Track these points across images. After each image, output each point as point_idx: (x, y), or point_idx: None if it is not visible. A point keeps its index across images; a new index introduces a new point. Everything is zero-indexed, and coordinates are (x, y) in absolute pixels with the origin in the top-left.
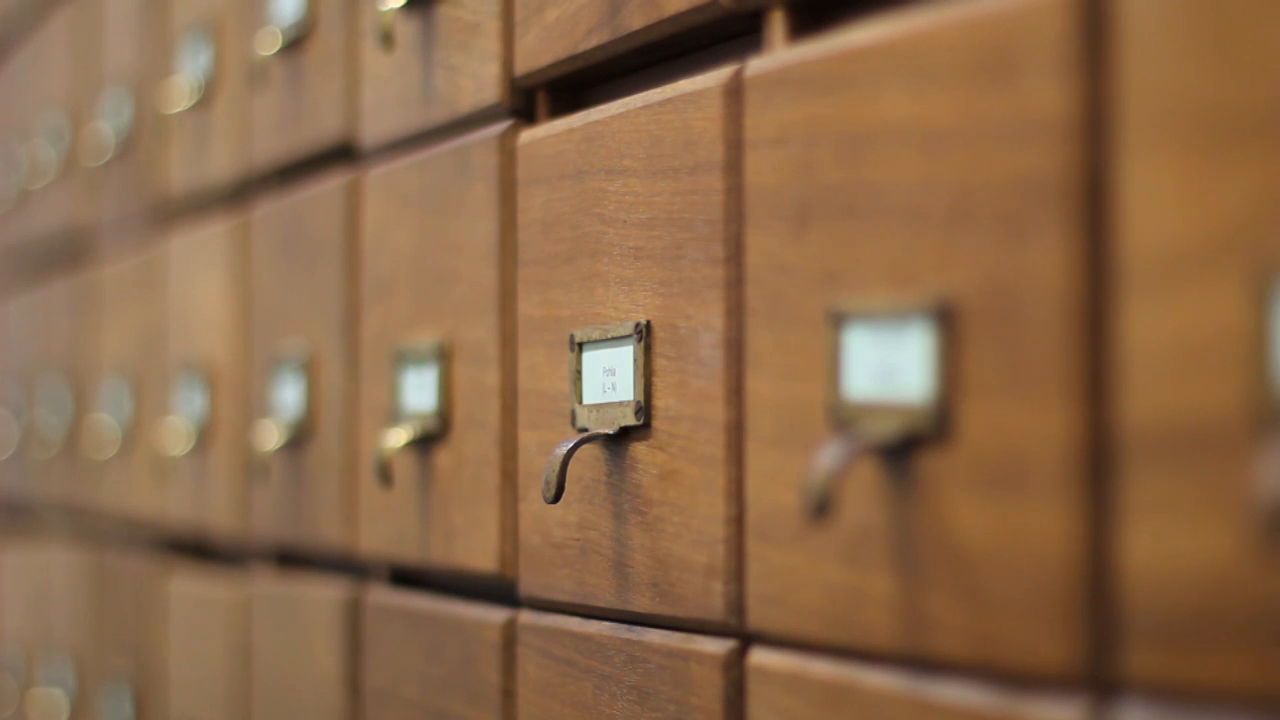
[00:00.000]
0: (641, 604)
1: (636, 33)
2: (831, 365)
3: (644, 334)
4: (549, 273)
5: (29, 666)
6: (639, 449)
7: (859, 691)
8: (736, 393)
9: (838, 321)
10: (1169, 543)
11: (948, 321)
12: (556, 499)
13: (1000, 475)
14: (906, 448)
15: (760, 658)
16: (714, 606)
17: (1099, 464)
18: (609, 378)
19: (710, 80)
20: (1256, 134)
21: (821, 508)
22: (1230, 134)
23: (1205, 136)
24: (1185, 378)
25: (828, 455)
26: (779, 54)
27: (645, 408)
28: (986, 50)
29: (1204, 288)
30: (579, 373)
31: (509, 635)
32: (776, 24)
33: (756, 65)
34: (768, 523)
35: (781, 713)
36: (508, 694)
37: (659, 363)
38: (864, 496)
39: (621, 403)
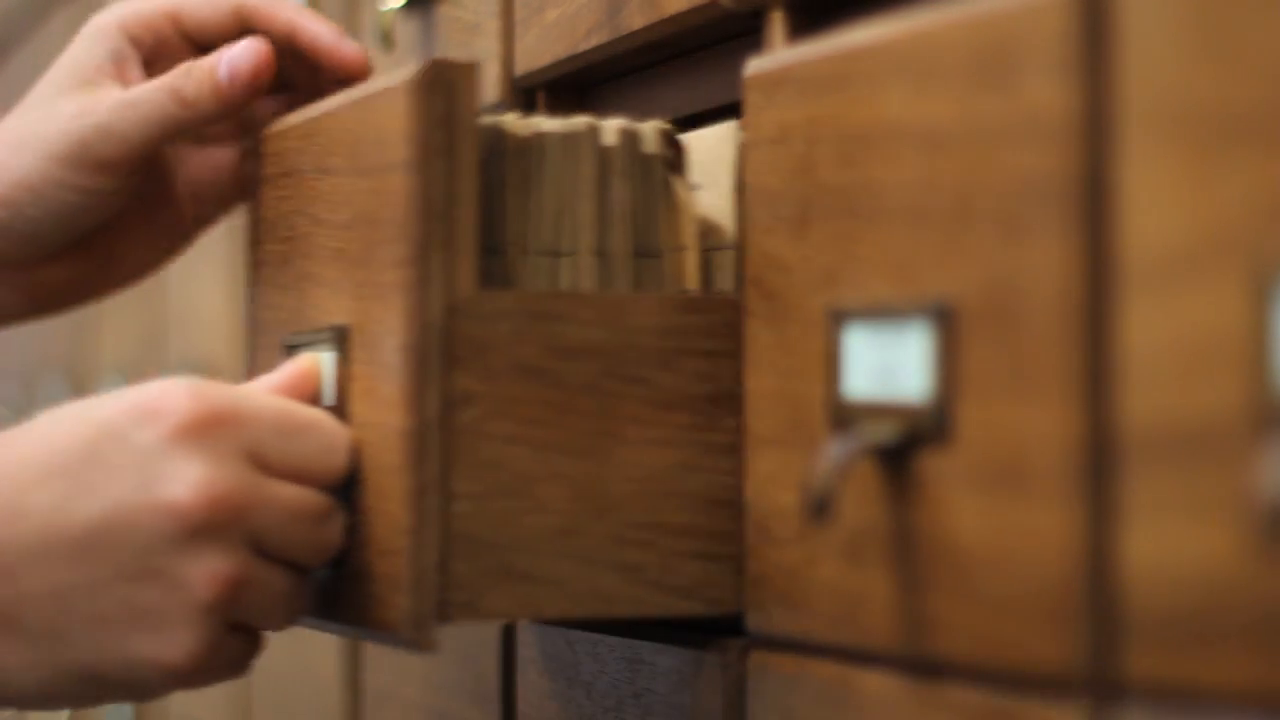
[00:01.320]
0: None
1: (636, 33)
2: (831, 365)
3: (342, 338)
4: (274, 273)
5: None
6: None
7: (859, 691)
8: (415, 398)
9: (837, 321)
10: (1169, 543)
11: (948, 321)
12: None
13: (1000, 475)
14: (906, 448)
15: (760, 658)
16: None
17: (1099, 464)
18: None
19: (398, 78)
20: (1256, 134)
21: (821, 508)
22: (1230, 134)
23: (1205, 136)
24: (1185, 378)
25: (828, 455)
26: (779, 54)
27: (342, 413)
28: (986, 50)
29: (1204, 288)
30: None
31: (509, 636)
32: (776, 24)
33: (756, 65)
34: (767, 522)
35: (781, 712)
36: (508, 695)
37: (355, 368)
38: (864, 496)
39: (327, 408)
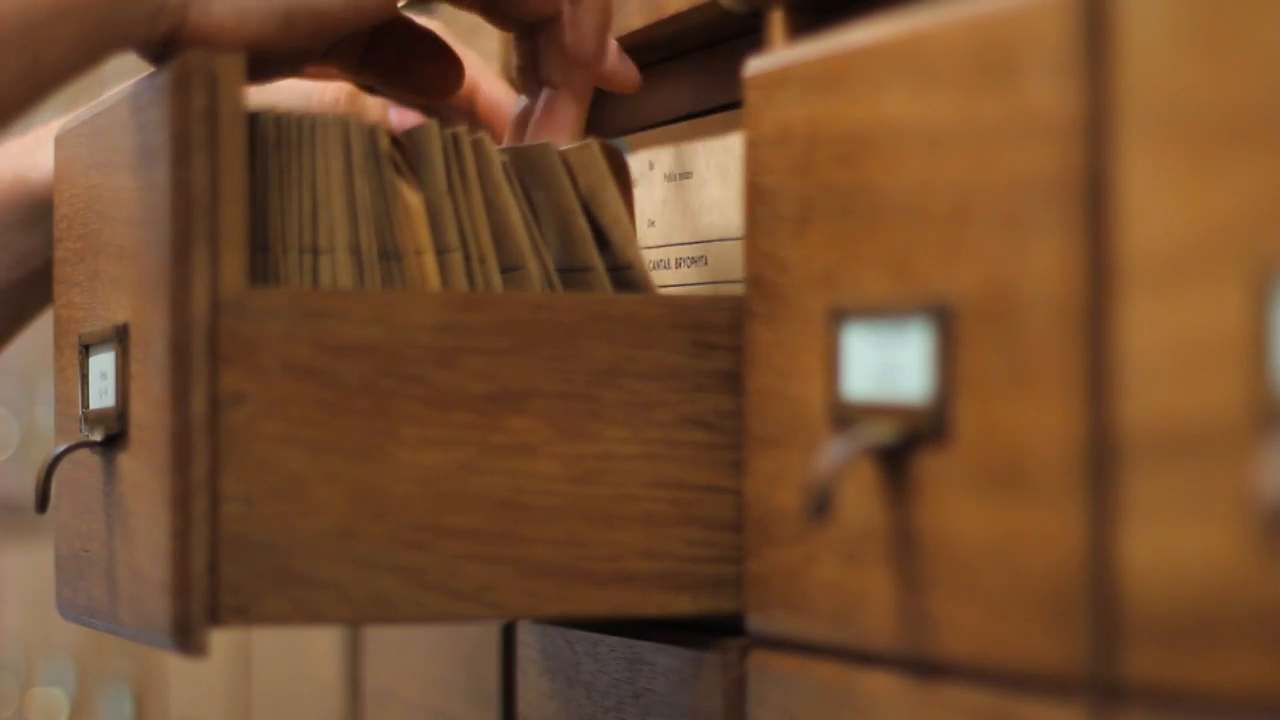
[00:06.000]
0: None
1: (636, 32)
2: (831, 365)
3: (123, 336)
4: (71, 271)
5: (29, 666)
6: (122, 458)
7: (859, 691)
8: (181, 397)
9: (837, 321)
10: (1169, 543)
11: (947, 321)
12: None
13: (1000, 475)
14: (906, 448)
15: (760, 658)
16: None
17: (1099, 464)
18: (103, 382)
19: (165, 76)
20: (1256, 134)
21: (822, 508)
22: (1230, 134)
23: (1205, 136)
24: (1185, 378)
25: (828, 455)
26: (779, 54)
27: (123, 414)
28: (986, 50)
29: (1204, 288)
30: (85, 377)
31: (509, 636)
32: (776, 24)
33: (756, 65)
34: (767, 523)
35: (781, 712)
36: (508, 695)
37: (133, 367)
38: (864, 496)
39: (110, 408)
